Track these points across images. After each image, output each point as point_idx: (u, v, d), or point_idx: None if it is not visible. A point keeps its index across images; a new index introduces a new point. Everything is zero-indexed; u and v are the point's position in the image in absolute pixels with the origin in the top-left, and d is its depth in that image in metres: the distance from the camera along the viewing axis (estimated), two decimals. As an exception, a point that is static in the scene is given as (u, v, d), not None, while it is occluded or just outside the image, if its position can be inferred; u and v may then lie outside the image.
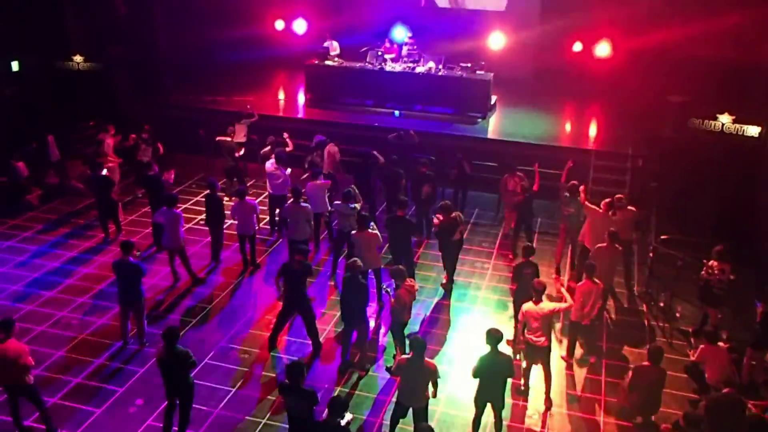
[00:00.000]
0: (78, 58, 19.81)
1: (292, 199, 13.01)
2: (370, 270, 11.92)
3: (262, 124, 17.37)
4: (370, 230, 11.82)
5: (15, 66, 18.93)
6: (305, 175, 14.84)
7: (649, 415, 9.60)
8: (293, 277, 10.78)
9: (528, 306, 9.88)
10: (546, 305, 9.92)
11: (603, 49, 20.09)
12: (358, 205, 12.85)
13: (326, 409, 7.71)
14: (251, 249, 13.52)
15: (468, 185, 15.79)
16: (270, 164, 14.49)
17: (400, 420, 9.09)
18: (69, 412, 9.66)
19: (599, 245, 11.71)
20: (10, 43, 18.54)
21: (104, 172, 14.39)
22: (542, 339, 9.79)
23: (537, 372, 10.25)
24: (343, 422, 7.67)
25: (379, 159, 15.13)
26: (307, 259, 11.14)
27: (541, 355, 9.96)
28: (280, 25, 23.38)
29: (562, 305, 10.18)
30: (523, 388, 10.29)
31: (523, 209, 13.93)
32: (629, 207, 12.75)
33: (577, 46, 20.91)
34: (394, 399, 9.37)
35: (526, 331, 10.07)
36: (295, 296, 10.88)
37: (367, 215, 12.16)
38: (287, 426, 8.66)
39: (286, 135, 15.85)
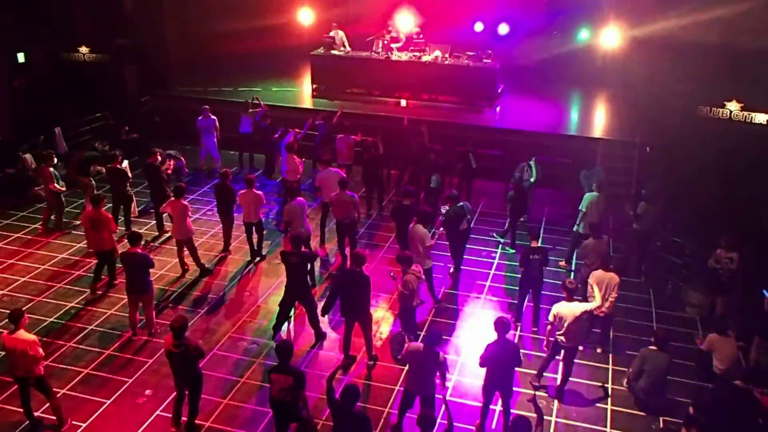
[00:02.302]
0: (84, 50, 19.83)
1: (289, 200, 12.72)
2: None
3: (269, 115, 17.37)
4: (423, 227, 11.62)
5: (21, 57, 18.95)
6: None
7: (655, 399, 9.59)
8: (293, 267, 10.81)
9: (561, 308, 9.73)
10: (579, 307, 9.77)
11: (610, 37, 19.98)
12: (356, 196, 12.94)
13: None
14: (258, 238, 13.56)
15: (473, 177, 15.76)
16: (283, 151, 14.86)
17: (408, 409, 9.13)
18: (79, 402, 9.72)
19: (586, 241, 11.75)
20: (16, 34, 18.56)
21: (124, 164, 14.43)
22: (572, 341, 9.76)
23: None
24: None
25: (380, 148, 15.23)
26: (303, 250, 11.08)
27: (567, 354, 9.94)
28: (285, 15, 23.31)
29: (593, 304, 10.12)
30: (537, 382, 10.31)
31: (520, 199, 13.91)
32: (662, 201, 12.75)
33: (584, 34, 20.80)
34: (401, 388, 9.41)
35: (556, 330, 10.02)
36: (296, 286, 10.94)
37: (429, 211, 12.03)
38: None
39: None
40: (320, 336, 11.17)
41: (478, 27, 21.17)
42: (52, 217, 14.63)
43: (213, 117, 17.21)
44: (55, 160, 14.61)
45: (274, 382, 8.24)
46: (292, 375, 8.19)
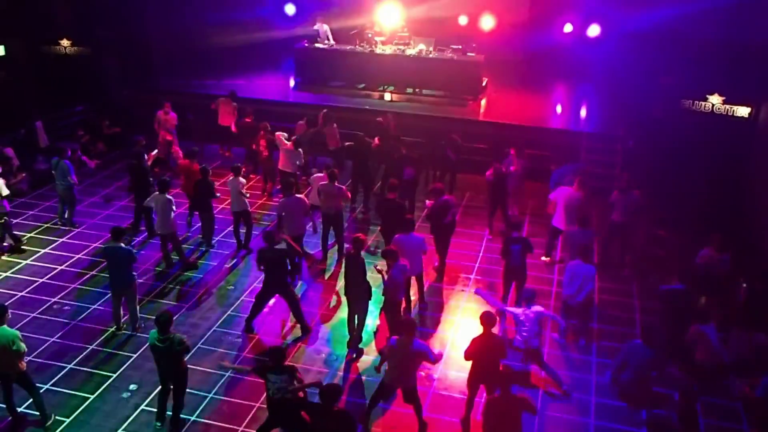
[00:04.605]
0: (65, 42, 19.62)
1: (283, 195, 12.69)
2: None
3: (252, 108, 17.27)
4: (415, 233, 11.52)
5: (1, 50, 18.72)
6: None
7: (638, 392, 9.65)
8: (270, 263, 10.82)
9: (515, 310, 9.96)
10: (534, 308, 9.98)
11: (594, 30, 20.07)
12: (344, 188, 13.01)
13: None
14: (246, 230, 13.51)
15: (455, 169, 15.77)
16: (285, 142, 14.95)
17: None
18: (62, 397, 9.66)
19: (571, 230, 11.79)
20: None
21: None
22: (532, 342, 9.85)
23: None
24: None
25: (373, 141, 15.23)
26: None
27: (531, 357, 10.04)
28: (269, 8, 23.21)
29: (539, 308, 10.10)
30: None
31: (497, 189, 14.11)
32: (635, 191, 12.80)
33: (568, 27, 20.86)
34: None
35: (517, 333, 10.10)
36: (273, 282, 10.95)
37: (412, 218, 11.90)
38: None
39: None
40: (306, 329, 11.17)
41: (463, 20, 21.17)
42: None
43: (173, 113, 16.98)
44: (69, 152, 14.52)
45: (270, 383, 8.25)
46: (286, 371, 8.23)
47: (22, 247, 13.47)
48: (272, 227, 11.90)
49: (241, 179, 13.35)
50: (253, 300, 11.33)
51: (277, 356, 8.27)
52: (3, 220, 13.25)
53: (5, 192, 13.19)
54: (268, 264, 10.85)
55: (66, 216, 14.43)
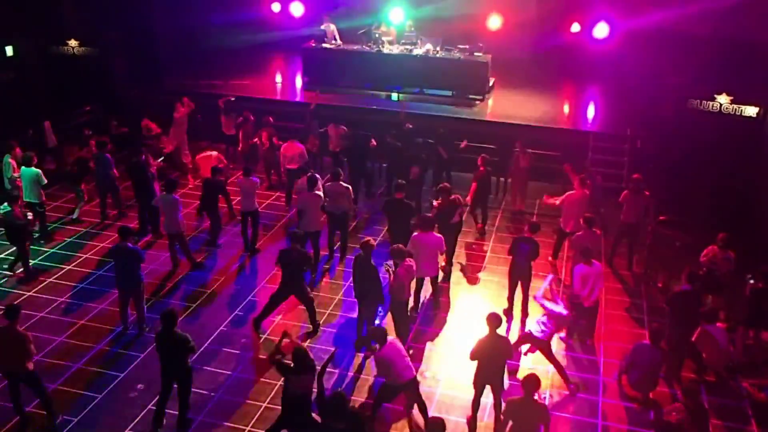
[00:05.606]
0: (73, 43, 19.67)
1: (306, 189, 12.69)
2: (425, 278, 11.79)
3: (259, 108, 17.30)
4: (435, 233, 11.47)
5: (9, 51, 18.79)
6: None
7: (646, 393, 9.64)
8: (291, 264, 10.82)
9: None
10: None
11: (601, 30, 19.98)
12: (350, 188, 13.04)
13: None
14: (253, 230, 13.53)
15: (450, 168, 15.77)
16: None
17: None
18: (70, 397, 9.69)
19: (577, 233, 11.76)
20: (4, 27, 18.40)
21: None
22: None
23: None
24: None
25: (371, 142, 15.27)
26: (304, 248, 11.15)
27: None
28: (276, 7, 23.22)
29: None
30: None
31: (484, 185, 14.18)
32: (645, 192, 12.77)
33: (576, 27, 20.78)
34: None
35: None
36: (292, 283, 10.94)
37: (431, 216, 11.94)
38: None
39: None
40: (315, 330, 11.19)
41: (470, 20, 21.13)
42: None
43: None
44: (110, 146, 14.78)
45: (292, 383, 8.26)
46: (308, 371, 8.26)
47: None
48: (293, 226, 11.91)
49: (255, 179, 13.40)
50: (265, 300, 11.30)
51: (301, 360, 8.25)
52: (41, 210, 13.63)
53: (44, 181, 13.52)
54: (291, 265, 10.85)
55: (114, 200, 14.83)
